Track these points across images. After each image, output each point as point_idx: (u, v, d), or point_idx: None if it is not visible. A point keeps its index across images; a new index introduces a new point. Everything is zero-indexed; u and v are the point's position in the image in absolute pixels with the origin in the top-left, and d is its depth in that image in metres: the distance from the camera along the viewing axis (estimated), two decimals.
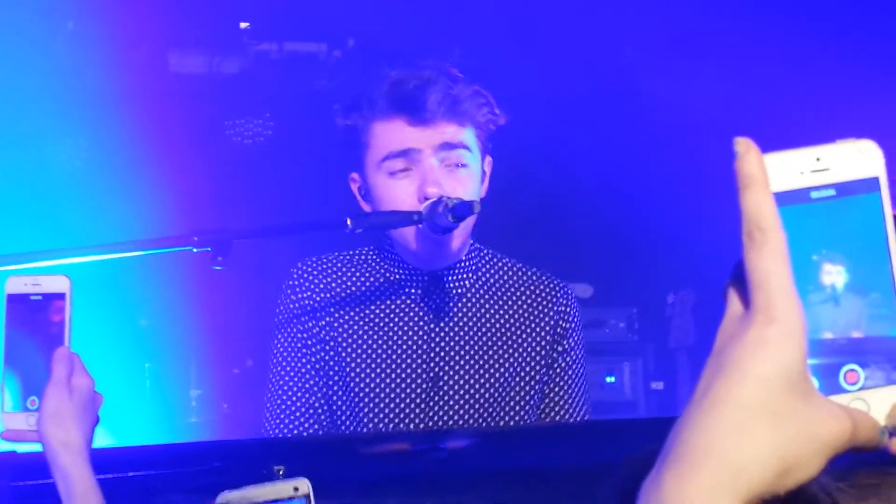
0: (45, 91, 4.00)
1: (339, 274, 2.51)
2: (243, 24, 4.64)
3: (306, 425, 2.44)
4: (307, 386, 2.45)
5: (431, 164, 2.33)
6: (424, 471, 2.02)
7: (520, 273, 2.59)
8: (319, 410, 2.45)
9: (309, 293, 2.47)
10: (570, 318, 2.56)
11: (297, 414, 2.45)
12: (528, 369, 2.51)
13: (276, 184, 4.46)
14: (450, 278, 2.48)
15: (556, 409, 2.57)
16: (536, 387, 2.53)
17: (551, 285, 2.58)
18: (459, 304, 2.49)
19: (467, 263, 2.50)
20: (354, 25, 4.60)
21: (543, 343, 2.53)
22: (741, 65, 4.40)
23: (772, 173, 0.76)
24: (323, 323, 2.46)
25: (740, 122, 4.25)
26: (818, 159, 0.78)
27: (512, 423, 2.49)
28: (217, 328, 4.11)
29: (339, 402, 2.45)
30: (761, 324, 0.72)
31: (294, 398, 2.45)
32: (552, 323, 2.54)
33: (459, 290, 2.49)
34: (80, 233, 3.64)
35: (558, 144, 4.47)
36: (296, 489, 1.33)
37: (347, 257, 2.54)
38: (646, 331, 4.79)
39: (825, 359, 0.77)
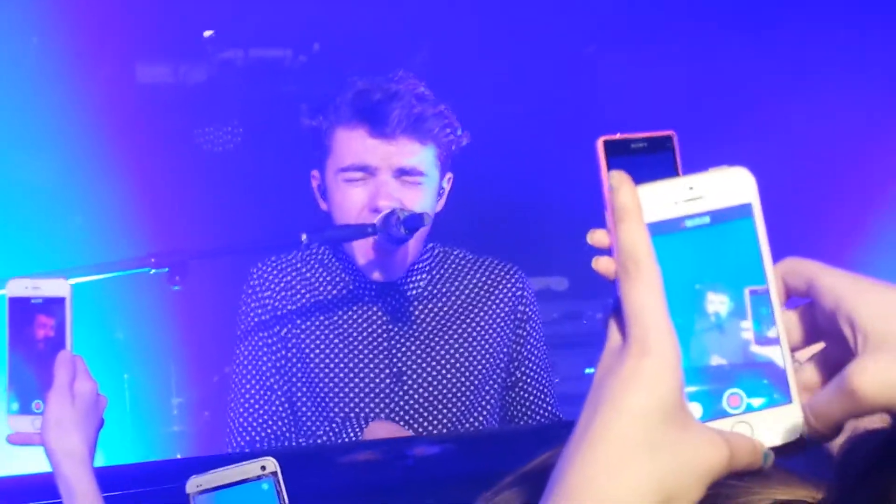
0: (10, 106, 3.99)
1: (298, 272, 2.54)
2: (207, 33, 4.64)
3: (269, 424, 2.46)
4: (270, 385, 2.48)
5: (386, 179, 2.37)
6: (392, 479, 2.04)
7: (472, 263, 2.62)
8: (281, 410, 2.48)
9: (269, 293, 2.50)
10: (528, 301, 2.60)
11: (261, 413, 2.47)
12: (490, 356, 2.54)
13: (248, 189, 4.47)
14: (403, 280, 2.51)
15: (527, 393, 2.59)
16: (500, 371, 2.56)
17: (505, 270, 2.61)
18: (416, 304, 2.52)
19: (420, 265, 2.54)
20: (319, 30, 4.61)
21: (503, 328, 2.56)
22: (711, 61, 4.42)
23: (646, 204, 0.78)
24: (285, 321, 2.49)
25: (706, 114, 4.29)
26: (691, 188, 0.80)
27: (478, 411, 2.52)
28: (193, 336, 4.11)
29: (305, 400, 2.47)
30: (636, 356, 0.73)
31: (258, 399, 2.48)
32: (510, 307, 2.57)
33: (414, 292, 2.53)
34: (47, 247, 3.65)
35: (529, 138, 4.49)
36: (263, 468, 1.35)
37: (306, 256, 2.57)
38: None
39: (712, 384, 0.78)
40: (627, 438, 0.71)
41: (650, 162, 0.93)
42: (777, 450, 0.78)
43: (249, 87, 4.63)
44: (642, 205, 0.77)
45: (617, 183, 0.77)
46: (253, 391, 2.49)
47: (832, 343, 0.79)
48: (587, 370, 4.49)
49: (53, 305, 1.76)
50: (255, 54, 4.70)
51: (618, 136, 0.93)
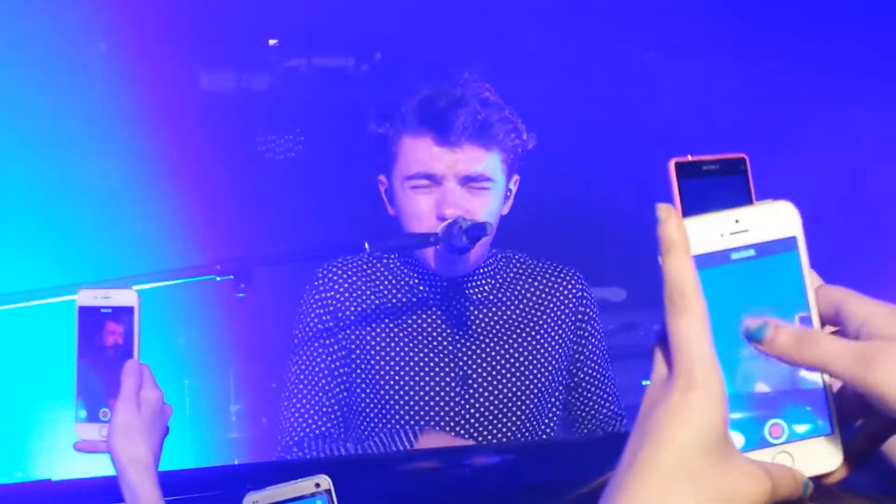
0: (77, 111, 4.05)
1: (364, 273, 2.56)
2: (272, 41, 4.69)
3: (321, 426, 2.48)
4: (322, 387, 2.49)
5: (452, 187, 2.38)
6: (446, 488, 2.04)
7: (533, 268, 2.64)
8: (332, 412, 2.49)
9: (332, 293, 2.52)
10: (589, 303, 2.61)
11: (311, 413, 2.49)
12: (553, 360, 2.55)
13: (309, 197, 4.50)
14: (468, 284, 2.53)
15: (590, 394, 2.61)
16: (563, 374, 2.58)
17: (565, 272, 2.63)
18: (481, 308, 2.54)
19: (484, 269, 2.56)
20: (381, 39, 4.64)
21: (566, 330, 2.58)
22: (770, 68, 4.39)
23: (693, 236, 0.79)
24: (348, 324, 2.51)
25: (765, 122, 4.26)
26: (737, 221, 0.81)
27: (544, 415, 2.53)
28: (252, 342, 4.15)
29: (367, 402, 2.49)
30: (683, 389, 0.74)
31: (308, 398, 2.49)
32: (572, 308, 2.59)
33: (480, 295, 2.54)
34: (111, 252, 3.70)
35: (587, 147, 4.48)
36: (317, 485, 1.38)
37: (373, 260, 2.59)
38: None
39: (754, 413, 0.80)
40: (671, 471, 0.73)
41: (722, 184, 0.95)
42: (817, 479, 0.79)
43: (312, 95, 4.67)
44: (689, 237, 0.78)
45: (664, 215, 0.78)
46: (305, 390, 2.51)
47: None
48: (644, 382, 4.46)
49: (122, 315, 1.79)
50: (318, 63, 4.73)
51: (689, 157, 0.94)
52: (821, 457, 0.79)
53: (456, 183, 2.40)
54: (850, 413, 0.81)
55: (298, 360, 2.54)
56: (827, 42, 4.31)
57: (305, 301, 2.56)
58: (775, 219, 0.81)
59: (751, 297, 0.80)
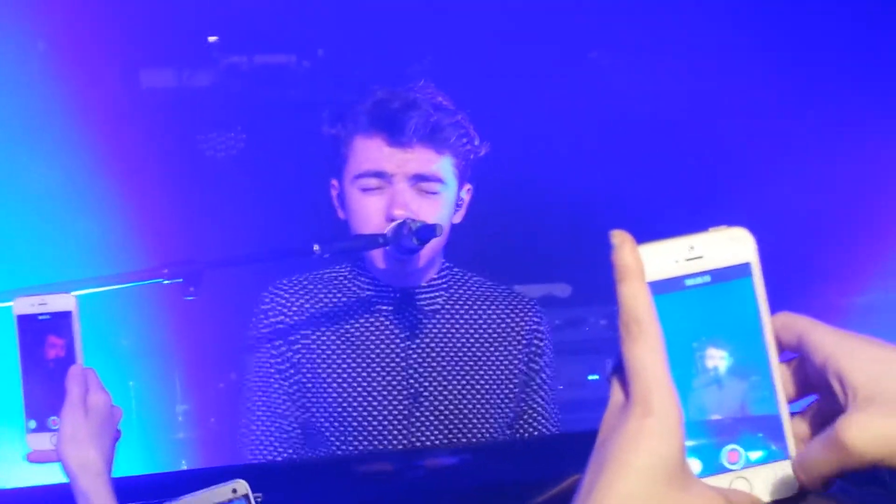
0: (14, 110, 3.99)
1: (311, 294, 2.53)
2: (212, 38, 4.65)
3: (280, 450, 2.46)
4: (280, 411, 2.47)
5: (402, 188, 2.37)
6: (402, 490, 2.03)
7: (491, 290, 2.62)
8: (293, 435, 2.47)
9: (281, 317, 2.49)
10: (544, 336, 2.61)
11: (272, 439, 2.47)
12: (504, 385, 2.54)
13: (250, 194, 4.47)
14: (422, 295, 2.52)
15: (536, 424, 2.61)
16: (512, 403, 2.56)
17: (523, 303, 2.62)
18: (434, 321, 2.52)
19: (439, 282, 2.54)
20: (323, 36, 4.62)
21: (519, 360, 2.57)
22: (712, 62, 4.42)
23: (647, 263, 0.78)
24: (298, 346, 2.48)
25: (713, 117, 4.29)
26: (692, 248, 0.81)
27: (491, 437, 2.52)
28: (198, 342, 4.11)
29: (322, 421, 2.47)
30: (639, 416, 0.74)
31: (267, 424, 2.47)
32: (526, 340, 2.58)
33: (433, 307, 2.52)
34: (50, 255, 3.64)
35: (532, 144, 4.49)
36: (234, 491, 1.36)
37: (319, 276, 2.56)
38: None
39: (711, 439, 0.80)
40: (630, 498, 0.72)
41: None
42: None
43: (253, 92, 4.63)
44: (644, 264, 0.78)
45: (619, 242, 0.78)
46: (264, 417, 2.48)
47: (823, 396, 0.80)
48: (590, 377, 4.50)
49: (61, 320, 1.77)
50: (260, 60, 4.70)
51: None
52: (778, 482, 0.79)
53: (406, 183, 2.37)
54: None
55: (254, 386, 2.51)
56: (779, 37, 4.35)
57: (254, 325, 2.53)
58: (730, 245, 0.81)
59: (706, 324, 0.80)
